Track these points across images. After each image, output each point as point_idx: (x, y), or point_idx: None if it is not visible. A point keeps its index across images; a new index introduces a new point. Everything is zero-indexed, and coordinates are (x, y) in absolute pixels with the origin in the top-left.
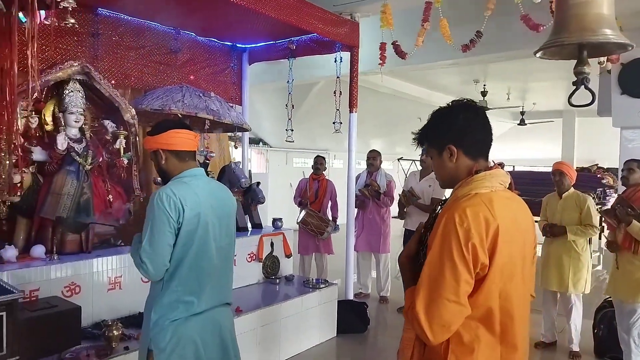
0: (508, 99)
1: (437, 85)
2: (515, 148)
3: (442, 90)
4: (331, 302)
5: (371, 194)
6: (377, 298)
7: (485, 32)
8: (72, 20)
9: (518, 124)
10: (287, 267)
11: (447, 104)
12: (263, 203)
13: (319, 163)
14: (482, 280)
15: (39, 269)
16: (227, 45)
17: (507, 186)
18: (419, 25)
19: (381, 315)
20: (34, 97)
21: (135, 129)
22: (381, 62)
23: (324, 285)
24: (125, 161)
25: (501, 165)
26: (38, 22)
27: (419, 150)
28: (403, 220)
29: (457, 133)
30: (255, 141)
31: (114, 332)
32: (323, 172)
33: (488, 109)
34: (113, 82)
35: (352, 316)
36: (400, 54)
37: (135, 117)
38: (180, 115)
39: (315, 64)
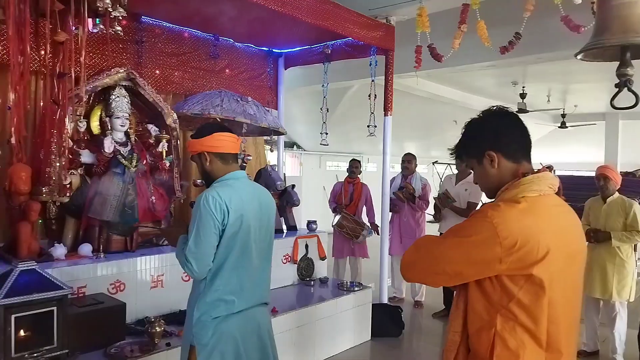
0: (548, 101)
1: (473, 87)
2: (556, 151)
3: (479, 93)
4: (365, 305)
5: (406, 197)
6: (412, 302)
7: (524, 33)
8: (119, 29)
9: (559, 127)
10: (321, 269)
11: (478, 114)
12: (298, 205)
13: (354, 166)
14: (528, 286)
15: (86, 267)
16: (263, 50)
17: (556, 190)
18: (455, 27)
19: (416, 320)
20: (83, 102)
21: (177, 132)
22: (417, 65)
23: (358, 289)
24: (167, 164)
25: (550, 168)
26: (88, 31)
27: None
28: (438, 224)
29: (493, 138)
30: (289, 144)
31: (157, 328)
32: (358, 175)
33: (527, 111)
34: (155, 87)
35: (387, 320)
36: (437, 56)
37: (177, 121)
38: (219, 119)
39: (350, 67)
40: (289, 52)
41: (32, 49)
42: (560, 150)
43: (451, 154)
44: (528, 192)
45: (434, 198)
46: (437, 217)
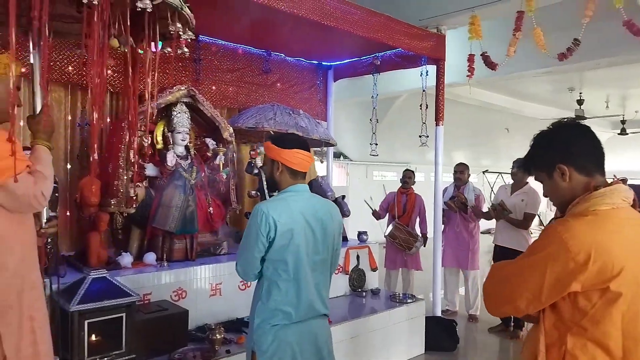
0: (607, 107)
1: (526, 94)
2: (615, 159)
3: (533, 100)
4: (419, 318)
5: (457, 207)
6: (466, 316)
7: (581, 38)
8: (186, 50)
9: (618, 134)
10: (373, 280)
11: (548, 127)
12: (348, 216)
13: (407, 177)
14: (602, 302)
15: (151, 275)
16: (313, 63)
17: (631, 202)
18: (507, 34)
19: (470, 334)
20: (150, 119)
21: (233, 146)
22: (469, 74)
23: (411, 300)
24: (224, 176)
25: (624, 180)
26: (157, 53)
27: (506, 163)
28: (492, 236)
29: (564, 151)
30: (336, 155)
31: (217, 335)
32: (412, 186)
33: (585, 118)
34: (211, 102)
35: (441, 333)
36: (490, 65)
37: (233, 135)
38: (272, 132)
39: (398, 78)
40: (338, 65)
41: (88, 67)
42: (620, 158)
43: (519, 166)
44: (600, 206)
45: (489, 208)
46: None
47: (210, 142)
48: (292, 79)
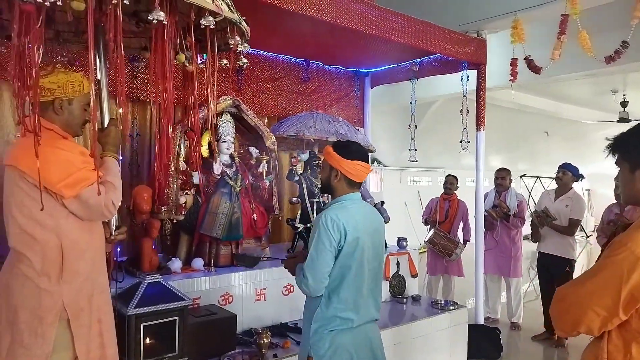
0: None
1: (566, 96)
2: None
3: (573, 102)
4: (461, 325)
5: (499, 216)
6: (508, 324)
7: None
8: (245, 61)
9: None
10: (413, 287)
11: None
12: (388, 222)
13: (450, 182)
14: None
15: (200, 280)
16: (351, 71)
17: None
18: (548, 36)
19: (513, 342)
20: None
21: (275, 153)
22: (512, 78)
23: (453, 308)
24: (267, 183)
25: None
26: (215, 65)
27: (544, 167)
28: (536, 243)
29: None
30: (370, 160)
31: (264, 340)
32: (454, 191)
33: (629, 120)
34: (253, 111)
35: (484, 341)
36: (534, 69)
37: (275, 143)
38: (313, 140)
39: (433, 83)
40: (375, 71)
41: (154, 82)
42: None
43: (607, 146)
44: None
45: (532, 215)
46: (536, 237)
47: (253, 151)
48: (330, 87)
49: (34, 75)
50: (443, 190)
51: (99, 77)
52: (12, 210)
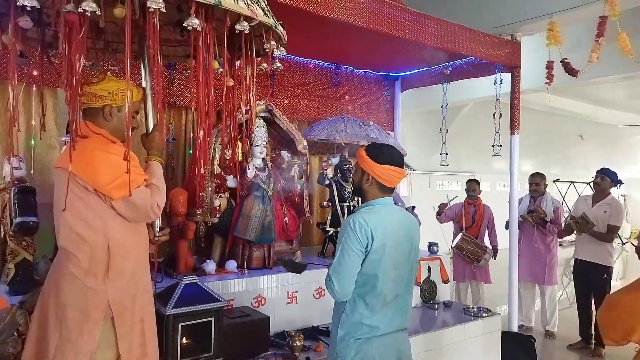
0: None
1: (602, 99)
2: None
3: (609, 105)
4: (495, 333)
5: (536, 222)
6: (542, 332)
7: None
8: (279, 65)
9: None
10: (444, 292)
11: None
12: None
13: (472, 189)
14: None
15: (233, 281)
16: (381, 75)
17: None
18: (583, 38)
19: (547, 351)
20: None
21: (307, 157)
22: (548, 81)
23: (486, 315)
24: (299, 187)
25: None
26: (253, 70)
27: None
28: (572, 249)
29: None
30: None
31: (297, 342)
32: (478, 196)
33: None
34: (284, 116)
35: (518, 350)
36: (571, 71)
37: (306, 147)
38: (343, 144)
39: (464, 87)
40: (406, 75)
41: (185, 86)
42: None
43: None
44: None
45: (570, 221)
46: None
47: (285, 155)
48: (360, 91)
49: (74, 83)
50: (466, 196)
51: (143, 85)
52: (62, 211)
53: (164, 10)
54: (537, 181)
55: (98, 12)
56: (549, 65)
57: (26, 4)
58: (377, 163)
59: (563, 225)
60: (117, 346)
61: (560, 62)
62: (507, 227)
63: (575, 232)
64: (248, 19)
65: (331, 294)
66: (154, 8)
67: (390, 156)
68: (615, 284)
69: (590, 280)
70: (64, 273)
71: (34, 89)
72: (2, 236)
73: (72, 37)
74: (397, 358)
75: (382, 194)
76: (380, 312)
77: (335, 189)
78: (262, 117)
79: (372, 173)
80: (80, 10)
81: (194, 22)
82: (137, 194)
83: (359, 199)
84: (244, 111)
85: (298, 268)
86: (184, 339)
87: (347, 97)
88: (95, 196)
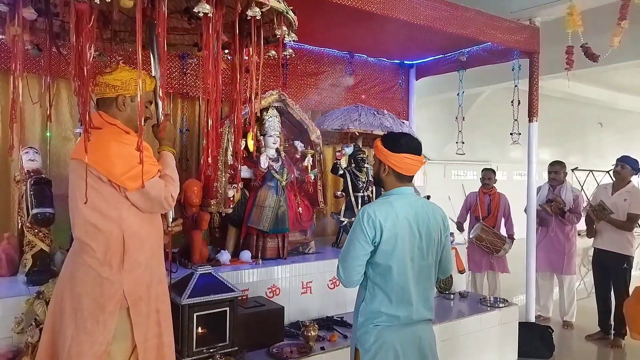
0: None
1: (622, 86)
2: None
3: (629, 92)
4: (512, 323)
5: (554, 211)
6: (559, 322)
7: None
8: (291, 51)
9: None
10: (460, 283)
11: None
12: None
13: (488, 177)
14: None
15: (248, 272)
16: (395, 63)
17: None
18: (602, 22)
19: (565, 341)
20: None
21: (320, 147)
22: (568, 66)
23: (503, 305)
24: (312, 177)
25: None
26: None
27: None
28: (592, 239)
29: None
30: None
31: (312, 332)
32: (493, 185)
33: None
34: (298, 106)
35: (536, 340)
36: (591, 56)
37: (320, 137)
38: (357, 133)
39: (480, 74)
40: (421, 63)
41: (197, 76)
42: None
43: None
44: None
45: (588, 210)
46: (591, 232)
47: (298, 145)
48: (374, 80)
49: (85, 73)
50: (481, 185)
51: (153, 74)
52: (78, 202)
53: None
54: (556, 170)
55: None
56: (569, 51)
57: None
58: (392, 152)
59: (583, 215)
60: (133, 336)
61: (580, 47)
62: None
63: (594, 221)
64: (259, 4)
65: (340, 281)
66: None
67: (406, 144)
68: (636, 274)
69: (610, 269)
70: (79, 263)
71: (48, 80)
72: (19, 227)
73: (82, 27)
74: (419, 348)
75: (400, 183)
76: (400, 303)
77: (349, 179)
78: (275, 106)
79: (388, 162)
80: None
81: (204, 8)
82: (151, 184)
83: (373, 188)
84: (254, 100)
85: None
86: (199, 328)
87: (361, 86)
88: (110, 187)
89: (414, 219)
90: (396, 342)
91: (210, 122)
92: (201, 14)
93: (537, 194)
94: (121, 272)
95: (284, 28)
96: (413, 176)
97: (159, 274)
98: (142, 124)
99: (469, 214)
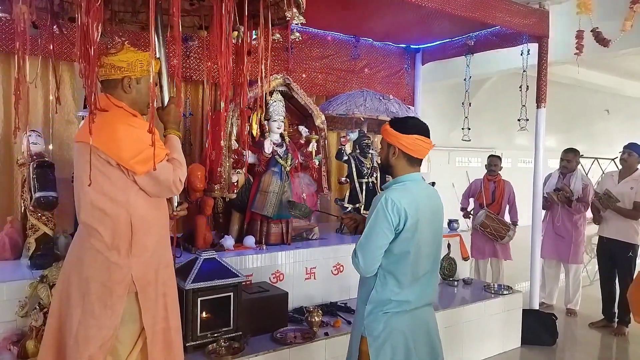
0: None
1: (630, 72)
2: None
3: (636, 78)
4: (515, 311)
5: (561, 200)
6: (563, 310)
7: None
8: (298, 34)
9: None
10: (463, 270)
11: None
12: None
13: (494, 164)
14: None
15: (252, 257)
16: (401, 47)
17: None
18: (615, 7)
19: (569, 329)
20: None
21: (325, 133)
22: (578, 52)
23: (507, 292)
24: (317, 162)
25: None
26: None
27: (604, 147)
28: (598, 226)
29: None
30: None
31: (316, 318)
32: (499, 172)
33: None
34: (302, 90)
35: (539, 327)
36: (602, 41)
37: (325, 122)
38: (362, 119)
39: (487, 59)
40: (427, 47)
41: (201, 60)
42: None
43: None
44: None
45: (594, 198)
46: (597, 219)
47: (303, 130)
48: (380, 64)
49: (92, 53)
50: (487, 172)
51: (158, 56)
52: (84, 185)
53: None
54: (569, 157)
55: None
56: (579, 35)
57: None
58: (403, 134)
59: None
60: (141, 320)
61: (591, 31)
62: None
63: (600, 209)
64: None
65: (356, 268)
66: None
67: (416, 126)
68: None
69: (615, 258)
70: (87, 248)
71: (51, 62)
72: (22, 211)
73: (90, 5)
74: (426, 331)
75: (411, 168)
76: (410, 288)
77: (353, 165)
78: (279, 91)
79: (399, 144)
80: None
81: None
82: (160, 168)
83: (378, 175)
84: (261, 84)
85: (303, 211)
86: (204, 313)
87: (366, 70)
88: (118, 170)
89: (428, 206)
90: (405, 327)
91: (222, 104)
92: None
93: (547, 181)
94: (129, 256)
95: (295, 10)
96: (422, 161)
97: (166, 259)
98: (154, 105)
99: (472, 201)
